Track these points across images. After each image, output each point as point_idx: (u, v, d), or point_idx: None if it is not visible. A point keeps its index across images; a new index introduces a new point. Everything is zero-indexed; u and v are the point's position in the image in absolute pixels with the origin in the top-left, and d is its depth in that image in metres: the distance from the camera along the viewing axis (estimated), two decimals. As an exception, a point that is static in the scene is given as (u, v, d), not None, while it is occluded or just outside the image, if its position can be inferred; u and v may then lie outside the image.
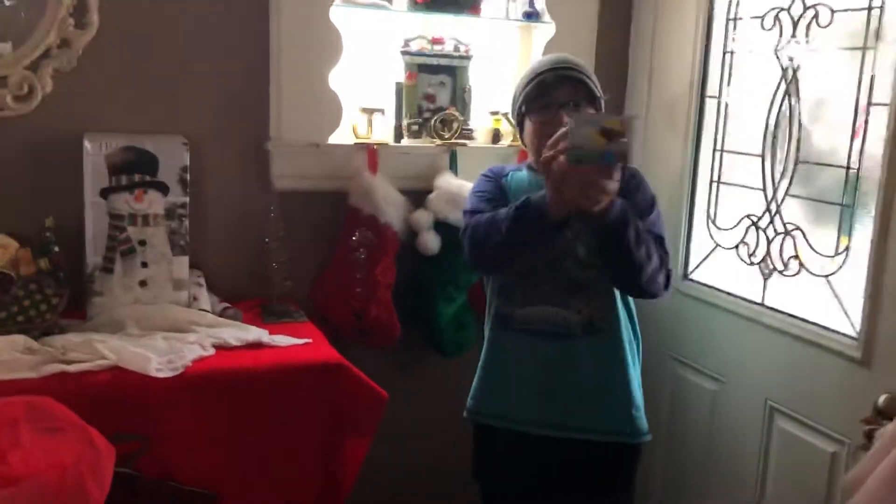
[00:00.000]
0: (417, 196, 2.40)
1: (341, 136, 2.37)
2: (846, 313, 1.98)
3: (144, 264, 2.01)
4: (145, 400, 1.74)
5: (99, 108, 2.10)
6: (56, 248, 1.88)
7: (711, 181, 2.42)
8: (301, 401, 1.89)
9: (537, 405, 1.89)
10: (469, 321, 2.48)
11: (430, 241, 2.38)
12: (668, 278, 1.87)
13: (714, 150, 2.40)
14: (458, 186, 2.37)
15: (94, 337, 1.80)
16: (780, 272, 2.16)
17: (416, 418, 2.55)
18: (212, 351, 1.87)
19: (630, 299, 1.95)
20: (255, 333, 1.95)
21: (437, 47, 2.51)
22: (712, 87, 2.40)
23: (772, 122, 2.18)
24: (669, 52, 2.51)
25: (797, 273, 2.11)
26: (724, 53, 2.35)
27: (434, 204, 2.38)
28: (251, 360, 1.87)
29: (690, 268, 2.49)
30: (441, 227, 2.39)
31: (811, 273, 2.07)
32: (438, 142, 2.46)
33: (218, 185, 2.26)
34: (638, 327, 2.01)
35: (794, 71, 2.11)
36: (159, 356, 1.77)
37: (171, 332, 1.94)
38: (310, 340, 1.99)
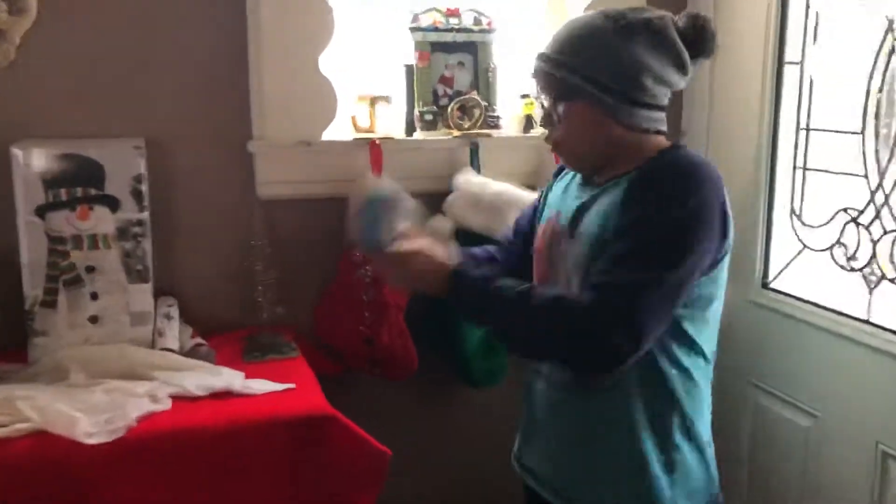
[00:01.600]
0: (433, 199, 1.99)
1: (338, 132, 1.98)
2: None
3: (94, 296, 1.67)
4: (79, 471, 1.39)
5: (41, 110, 1.76)
6: (-23, 282, 1.55)
7: (795, 167, 1.95)
8: (279, 463, 1.51)
9: (552, 468, 1.45)
10: (502, 348, 2.07)
11: (450, 253, 1.97)
12: (587, 348, 1.23)
13: (797, 128, 1.94)
14: (480, 186, 1.96)
15: (18, 393, 1.45)
16: (892, 280, 1.69)
17: (446, 462, 2.16)
18: (167, 404, 1.51)
19: (661, 353, 1.33)
20: (224, 379, 1.59)
21: (454, 20, 2.11)
22: (792, 50, 1.93)
23: (874, 89, 1.70)
24: (737, 10, 2.05)
25: (915, 282, 1.64)
26: (807, 8, 1.88)
27: (453, 208, 1.98)
28: (216, 413, 1.50)
29: (771, 275, 2.03)
30: (463, 234, 1.98)
31: (935, 281, 1.60)
32: (456, 133, 2.05)
33: (191, 196, 1.90)
34: (675, 385, 1.36)
35: (904, 21, 1.64)
36: (96, 415, 1.41)
37: (127, 378, 1.58)
38: (292, 386, 1.61)
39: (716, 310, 1.42)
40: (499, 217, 1.84)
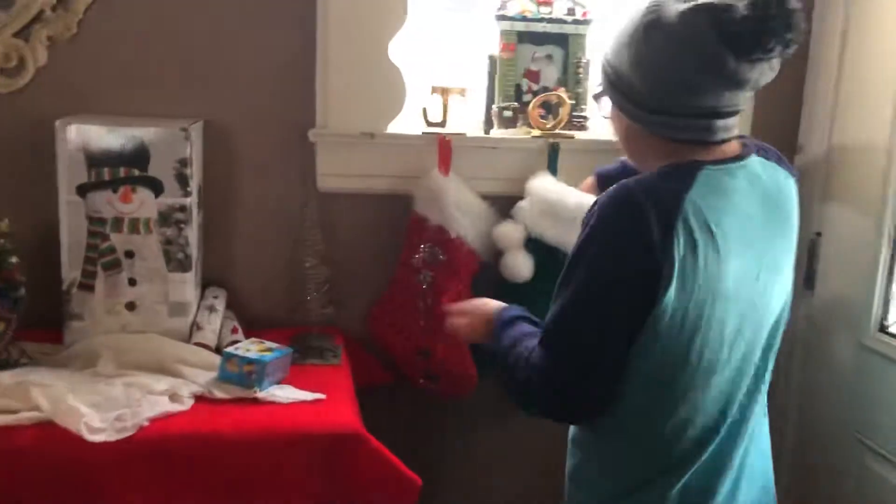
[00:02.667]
0: (506, 204, 1.83)
1: (407, 125, 1.84)
2: None
3: (133, 281, 1.59)
4: (87, 466, 1.32)
5: (98, 86, 1.71)
6: (13, 259, 1.49)
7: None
8: (298, 480, 1.40)
9: None
10: None
11: (520, 264, 1.80)
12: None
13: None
14: (557, 194, 1.77)
15: (33, 379, 1.39)
16: None
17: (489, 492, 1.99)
18: (188, 404, 1.42)
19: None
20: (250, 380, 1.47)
21: (545, 9, 1.93)
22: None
23: None
24: (871, 15, 1.77)
25: None
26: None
27: (526, 215, 1.80)
28: (235, 420, 1.40)
29: (892, 317, 1.74)
30: (536, 244, 1.80)
31: None
32: (536, 133, 1.87)
33: (248, 184, 1.81)
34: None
35: None
36: (108, 409, 1.33)
37: (156, 371, 1.50)
38: (322, 396, 1.48)
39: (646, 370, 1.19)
40: (577, 231, 1.64)
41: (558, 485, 1.37)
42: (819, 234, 1.91)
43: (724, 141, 1.18)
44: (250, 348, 1.51)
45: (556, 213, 1.74)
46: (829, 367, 1.88)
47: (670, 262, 1.10)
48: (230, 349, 1.49)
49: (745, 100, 1.17)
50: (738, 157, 1.19)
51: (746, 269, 1.18)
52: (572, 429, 1.34)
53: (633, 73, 1.16)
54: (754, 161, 1.21)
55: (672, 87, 1.14)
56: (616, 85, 1.20)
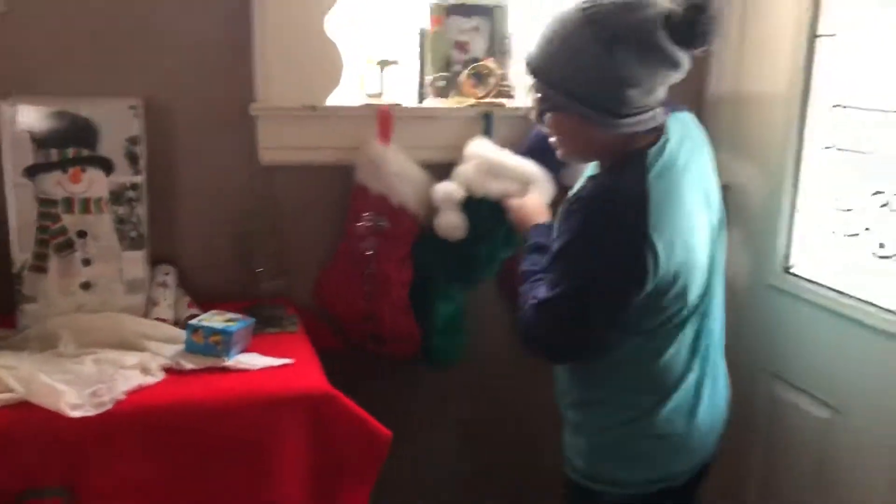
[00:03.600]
0: (443, 171, 1.91)
1: (345, 97, 1.89)
2: None
3: (87, 261, 1.60)
4: (66, 444, 1.34)
5: (33, 65, 1.68)
6: (-38, 244, 1.47)
7: (826, 146, 1.84)
8: (274, 441, 1.46)
9: None
10: (462, 328, 2.00)
11: (454, 223, 1.87)
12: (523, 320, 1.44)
13: (830, 105, 1.83)
14: (499, 154, 1.85)
15: (1, 362, 1.38)
16: (925, 270, 1.60)
17: (444, 445, 2.11)
18: (159, 376, 1.45)
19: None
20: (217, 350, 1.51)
21: (471, -18, 2.01)
22: (828, 22, 1.82)
23: (914, 65, 1.60)
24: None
25: (950, 271, 1.55)
26: (845, -24, 1.77)
27: (467, 176, 1.87)
28: (208, 388, 1.44)
29: (794, 259, 1.94)
30: (476, 203, 1.88)
31: (971, 272, 1.51)
32: (470, 101, 1.96)
33: (190, 160, 1.82)
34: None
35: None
36: (83, 387, 1.35)
37: (118, 348, 1.52)
38: (290, 361, 1.54)
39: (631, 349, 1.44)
40: (522, 188, 1.76)
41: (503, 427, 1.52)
42: (727, 186, 2.08)
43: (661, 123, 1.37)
44: (214, 319, 1.55)
45: (499, 171, 1.82)
46: (740, 307, 2.06)
47: (652, 245, 1.29)
48: (194, 321, 1.53)
49: None
50: (664, 128, 1.37)
51: (700, 207, 1.39)
52: (567, 377, 1.55)
53: (597, 86, 1.29)
54: (672, 121, 1.39)
55: (637, 94, 1.29)
56: (576, 96, 1.31)
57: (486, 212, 1.84)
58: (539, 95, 1.38)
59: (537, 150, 1.76)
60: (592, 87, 1.29)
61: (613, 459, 1.51)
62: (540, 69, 1.34)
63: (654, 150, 1.33)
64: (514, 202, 1.70)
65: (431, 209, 1.88)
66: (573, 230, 1.33)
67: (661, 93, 1.33)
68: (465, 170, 1.88)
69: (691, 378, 1.47)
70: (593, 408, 1.51)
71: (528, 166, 1.76)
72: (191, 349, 1.51)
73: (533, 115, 1.46)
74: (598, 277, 1.33)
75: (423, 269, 1.89)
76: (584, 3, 1.29)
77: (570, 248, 1.34)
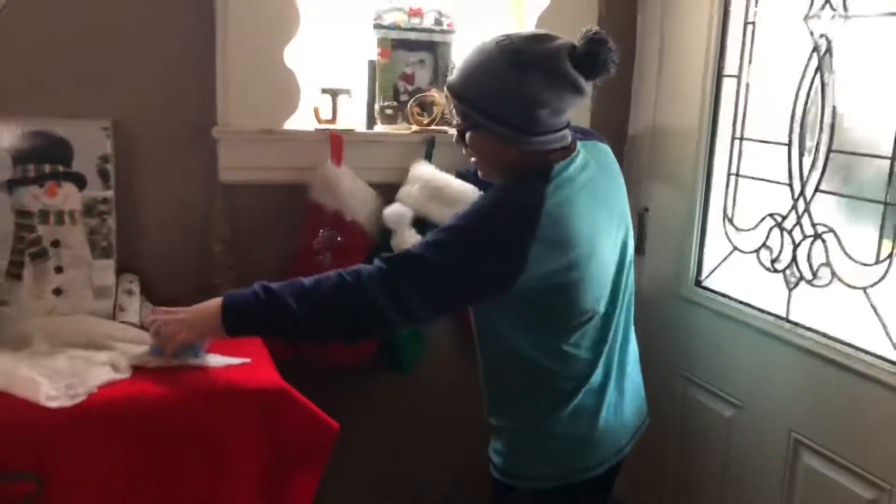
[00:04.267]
0: (390, 190, 2.09)
1: (300, 122, 2.07)
2: (888, 333, 1.65)
3: (59, 269, 1.73)
4: (39, 433, 1.45)
5: (9, 88, 1.80)
6: (-54, 252, 1.60)
7: (729, 174, 2.09)
8: (235, 433, 1.59)
9: None
10: (423, 334, 2.20)
11: (410, 240, 2.05)
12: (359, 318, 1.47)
13: (732, 137, 2.07)
14: (442, 179, 2.03)
15: (-19, 357, 1.51)
16: (809, 282, 1.83)
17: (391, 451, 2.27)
18: (127, 373, 1.58)
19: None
20: (180, 352, 1.65)
21: (416, 20, 2.21)
22: (731, 64, 2.07)
23: (800, 105, 1.85)
24: (682, 24, 2.18)
25: (828, 283, 1.79)
26: (745, 24, 2.02)
27: (414, 198, 2.05)
28: (174, 384, 1.58)
29: (704, 273, 2.17)
30: (419, 224, 2.07)
31: (846, 284, 1.74)
32: (415, 128, 2.15)
33: (155, 177, 1.97)
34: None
35: (828, 44, 1.77)
36: (57, 380, 1.48)
37: (87, 348, 1.65)
38: (248, 360, 1.69)
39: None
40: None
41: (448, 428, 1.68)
42: (647, 209, 2.32)
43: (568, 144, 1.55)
44: None
45: (442, 196, 1.99)
46: (657, 318, 2.28)
47: (522, 268, 1.43)
48: None
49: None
50: (572, 148, 1.55)
51: (601, 225, 1.55)
52: (483, 380, 1.69)
53: (511, 106, 1.46)
54: (581, 146, 1.58)
55: (547, 114, 1.47)
56: (492, 117, 1.47)
57: (430, 230, 2.03)
58: (460, 117, 1.55)
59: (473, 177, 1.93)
60: (506, 107, 1.46)
61: (524, 457, 1.64)
62: (460, 93, 1.51)
63: (560, 164, 1.50)
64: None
65: (381, 224, 2.06)
66: (462, 215, 1.47)
67: (566, 116, 1.51)
68: (409, 191, 2.06)
69: (594, 381, 1.59)
70: (504, 409, 1.66)
71: (466, 189, 1.95)
72: (157, 352, 1.61)
73: (455, 137, 1.60)
74: (472, 253, 1.44)
75: None
76: (499, 37, 1.48)
77: (456, 225, 1.46)
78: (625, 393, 1.68)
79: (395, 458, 2.35)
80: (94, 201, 1.73)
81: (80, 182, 1.71)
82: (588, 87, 1.48)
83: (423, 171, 2.07)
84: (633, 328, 1.72)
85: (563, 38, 1.47)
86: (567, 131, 1.54)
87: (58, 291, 1.73)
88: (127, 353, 1.64)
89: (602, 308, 1.58)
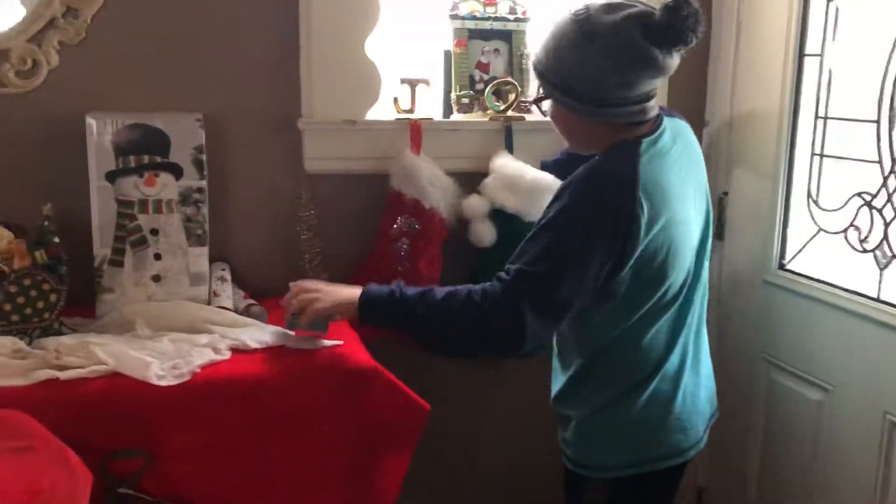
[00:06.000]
0: (468, 179, 2.12)
1: (380, 112, 2.11)
2: None
3: (158, 256, 1.80)
4: (147, 411, 1.52)
5: (109, 84, 1.89)
6: (55, 239, 1.67)
7: (813, 154, 2.06)
8: (328, 412, 1.64)
9: None
10: None
11: (484, 231, 2.09)
12: (489, 337, 1.47)
13: (816, 116, 2.04)
14: (516, 170, 2.06)
15: (92, 339, 1.58)
16: (902, 260, 1.79)
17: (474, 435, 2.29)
18: (227, 355, 1.64)
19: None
20: (278, 335, 1.71)
21: (490, 9, 2.23)
22: (813, 43, 2.04)
23: (889, 81, 1.80)
24: (761, 3, 2.15)
25: (923, 261, 1.75)
26: (828, 2, 1.98)
27: (489, 189, 2.09)
28: (272, 365, 1.63)
29: (787, 256, 2.14)
30: (498, 215, 2.09)
31: (941, 261, 1.70)
32: (491, 115, 2.17)
33: (243, 168, 2.03)
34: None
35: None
36: (163, 361, 1.54)
37: (186, 332, 1.71)
38: (341, 342, 1.73)
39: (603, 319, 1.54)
40: (534, 201, 1.95)
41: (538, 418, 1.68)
42: (726, 193, 2.30)
43: (652, 118, 1.53)
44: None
45: (515, 186, 2.03)
46: (739, 302, 2.26)
47: (640, 223, 1.40)
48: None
49: (664, 81, 1.52)
50: (659, 123, 1.53)
51: (689, 203, 1.54)
52: (557, 361, 1.67)
53: (578, 77, 1.46)
54: (669, 121, 1.57)
55: (616, 85, 1.45)
56: (561, 88, 1.48)
57: (504, 221, 2.04)
58: (542, 91, 1.56)
59: (563, 164, 1.94)
60: (575, 78, 1.45)
61: (596, 445, 1.61)
62: (537, 66, 1.52)
63: (648, 139, 1.48)
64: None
65: (457, 213, 2.09)
66: (561, 206, 1.43)
67: (643, 87, 1.45)
68: (486, 182, 2.08)
69: (669, 367, 1.55)
70: (576, 397, 1.62)
71: (543, 179, 1.96)
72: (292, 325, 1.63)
73: (543, 112, 1.61)
74: (580, 250, 1.40)
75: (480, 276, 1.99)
76: (578, 7, 1.46)
77: (556, 221, 1.43)
78: (700, 378, 1.65)
79: (468, 450, 2.36)
80: (189, 190, 1.79)
81: (176, 172, 1.78)
82: (665, 58, 1.43)
83: (500, 161, 2.09)
84: (705, 314, 1.69)
85: (641, 7, 1.42)
86: (650, 104, 1.50)
87: (156, 278, 1.80)
88: (225, 336, 1.69)
89: (685, 290, 1.56)
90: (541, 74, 1.53)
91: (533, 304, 1.41)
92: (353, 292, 1.55)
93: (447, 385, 2.28)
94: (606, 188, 1.43)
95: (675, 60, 1.47)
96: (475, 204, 2.09)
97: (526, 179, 2.02)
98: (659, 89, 1.53)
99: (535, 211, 1.90)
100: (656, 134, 1.50)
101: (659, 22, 1.40)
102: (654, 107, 1.53)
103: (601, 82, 1.44)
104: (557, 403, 1.68)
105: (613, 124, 1.50)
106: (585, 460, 1.64)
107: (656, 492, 1.64)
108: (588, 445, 1.63)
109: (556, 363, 1.69)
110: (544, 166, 2.05)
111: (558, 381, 1.68)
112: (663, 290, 1.51)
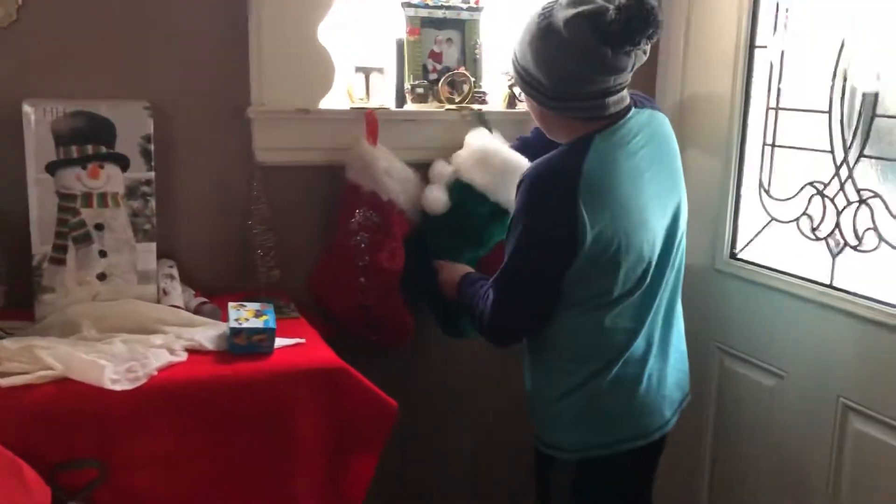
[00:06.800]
0: (424, 169, 2.07)
1: (334, 101, 2.03)
2: (942, 294, 1.66)
3: (103, 253, 1.69)
4: (101, 418, 1.42)
5: (44, 70, 1.76)
6: (-9, 237, 1.55)
7: (764, 144, 2.09)
8: (293, 413, 1.57)
9: None
10: None
11: (437, 198, 1.99)
12: (480, 322, 1.68)
13: (767, 107, 2.07)
14: (492, 145, 1.98)
15: (37, 343, 1.47)
16: (854, 248, 1.84)
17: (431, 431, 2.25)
18: (183, 356, 1.55)
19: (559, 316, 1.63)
20: (221, 340, 1.62)
21: (443, -2, 2.19)
22: (763, 34, 2.07)
23: (840, 71, 1.85)
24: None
25: (875, 248, 1.79)
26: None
27: (460, 161, 1.98)
28: (232, 365, 1.55)
29: (739, 245, 2.17)
30: (459, 188, 1.99)
31: (893, 246, 1.75)
32: (448, 106, 2.13)
33: (190, 160, 1.93)
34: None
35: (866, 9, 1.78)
36: (117, 364, 1.45)
37: (137, 333, 1.61)
38: (303, 340, 1.66)
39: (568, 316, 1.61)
40: (503, 182, 1.89)
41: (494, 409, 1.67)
42: (677, 183, 2.31)
43: (616, 112, 1.53)
44: (243, 316, 1.60)
45: (487, 163, 1.93)
46: (690, 291, 2.27)
47: (581, 222, 1.46)
48: (234, 325, 1.56)
49: (627, 77, 1.53)
50: (621, 116, 1.55)
51: (649, 195, 1.55)
52: (526, 347, 1.66)
53: (535, 68, 1.51)
54: (637, 114, 1.58)
55: (567, 79, 1.49)
56: (524, 78, 1.55)
57: (472, 197, 1.97)
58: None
59: (532, 145, 1.92)
60: (535, 71, 1.51)
61: (562, 427, 1.65)
62: (512, 57, 1.58)
63: (602, 133, 1.51)
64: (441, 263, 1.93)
65: (418, 204, 2.04)
66: (516, 207, 1.55)
67: (597, 84, 1.47)
68: (459, 154, 2.00)
69: (635, 351, 1.59)
70: (542, 378, 1.66)
71: (515, 159, 1.91)
72: (235, 350, 1.56)
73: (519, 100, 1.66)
74: (535, 247, 1.52)
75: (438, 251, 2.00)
76: (547, 2, 1.50)
77: (514, 224, 1.55)
78: (668, 364, 1.68)
79: (438, 435, 2.33)
80: (136, 183, 1.69)
81: (122, 163, 1.67)
82: (615, 55, 1.44)
83: (476, 136, 2.02)
84: (679, 300, 1.73)
85: (598, 4, 1.43)
86: (610, 100, 1.51)
87: (102, 276, 1.69)
88: (179, 337, 1.60)
89: (648, 278, 1.57)
90: (512, 63, 1.59)
91: (515, 311, 1.61)
92: (461, 271, 1.85)
93: (419, 368, 2.24)
94: (550, 181, 1.51)
95: (632, 58, 1.48)
96: (440, 171, 2.01)
97: (499, 157, 1.94)
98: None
99: (501, 192, 1.90)
100: (614, 127, 1.53)
101: (609, 20, 1.42)
102: (617, 101, 1.53)
103: (556, 76, 1.49)
104: (528, 385, 1.72)
105: (575, 117, 1.54)
106: (553, 441, 1.67)
107: (622, 473, 1.69)
108: (555, 427, 1.66)
109: (526, 346, 1.71)
110: (520, 141, 2.03)
111: (527, 365, 1.71)
112: (620, 278, 1.54)
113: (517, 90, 1.67)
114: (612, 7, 1.42)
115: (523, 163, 1.87)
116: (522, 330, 1.67)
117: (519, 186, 1.55)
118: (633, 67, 1.51)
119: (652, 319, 1.62)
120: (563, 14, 1.44)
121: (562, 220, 1.47)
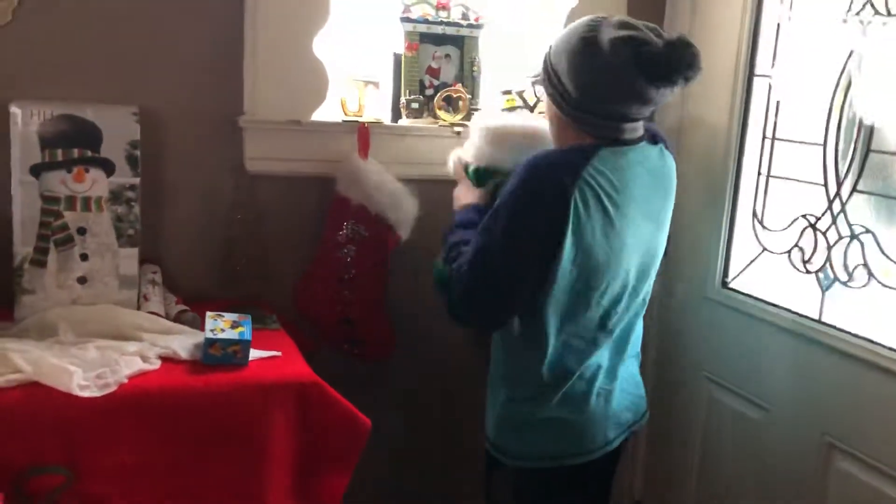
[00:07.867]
0: (416, 185, 2.05)
1: (327, 113, 2.03)
2: (929, 335, 1.63)
3: (84, 257, 1.69)
4: (69, 424, 1.42)
5: (36, 72, 1.77)
6: (-29, 237, 1.55)
7: (759, 174, 2.07)
8: (265, 427, 1.56)
9: None
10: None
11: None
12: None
13: (763, 137, 2.05)
14: (502, 120, 1.81)
15: (10, 346, 1.47)
16: (844, 283, 1.81)
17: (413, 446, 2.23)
18: (157, 364, 1.54)
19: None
20: (195, 349, 1.61)
21: (443, 14, 2.18)
22: (763, 63, 2.05)
23: (837, 105, 1.82)
24: (712, 23, 2.16)
25: (865, 284, 1.77)
26: (778, 24, 2.00)
27: (474, 149, 1.77)
28: (205, 376, 1.54)
29: (731, 275, 2.15)
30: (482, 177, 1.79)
31: (883, 285, 1.72)
32: (441, 122, 2.12)
33: (179, 166, 1.93)
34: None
35: (866, 45, 1.76)
36: (87, 370, 1.44)
37: (114, 338, 1.61)
38: (279, 353, 1.65)
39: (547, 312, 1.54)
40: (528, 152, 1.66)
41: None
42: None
43: (627, 140, 1.51)
44: (220, 327, 1.60)
45: (504, 138, 1.72)
46: (681, 319, 2.26)
47: (567, 220, 1.42)
48: (210, 335, 1.56)
49: (649, 111, 1.51)
50: (633, 142, 1.52)
51: (634, 222, 1.52)
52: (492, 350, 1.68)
53: (566, 75, 1.48)
54: (646, 146, 1.55)
55: (593, 95, 1.47)
56: (552, 80, 1.51)
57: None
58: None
59: None
60: (564, 75, 1.47)
61: (514, 434, 1.63)
62: (547, 51, 1.53)
63: (606, 149, 1.48)
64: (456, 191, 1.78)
65: (407, 219, 2.02)
66: (508, 189, 1.47)
67: (622, 108, 1.46)
68: (471, 141, 1.79)
69: (587, 370, 1.58)
70: (501, 382, 1.64)
71: (533, 123, 1.75)
72: (210, 361, 1.56)
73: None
74: (522, 232, 1.44)
75: None
76: (602, 15, 1.49)
77: (503, 205, 1.46)
78: (617, 385, 1.67)
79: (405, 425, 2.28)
80: (121, 188, 1.69)
81: (108, 168, 1.67)
82: (649, 88, 1.42)
83: (480, 119, 1.82)
84: (639, 325, 1.71)
85: (645, 33, 1.42)
86: (627, 125, 1.50)
87: (82, 280, 1.69)
88: (156, 345, 1.60)
89: (611, 302, 1.56)
90: (543, 62, 1.55)
91: (489, 288, 1.51)
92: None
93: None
94: (544, 177, 1.45)
95: (662, 95, 1.46)
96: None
97: (516, 127, 1.75)
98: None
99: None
100: (624, 149, 1.50)
101: (652, 53, 1.40)
102: (631, 130, 1.52)
103: (583, 89, 1.47)
104: (490, 384, 1.71)
105: (585, 131, 1.51)
106: (500, 446, 1.66)
107: (564, 486, 1.67)
108: (503, 433, 1.66)
109: (492, 354, 1.70)
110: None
111: (490, 369, 1.70)
112: (593, 300, 1.53)
113: (539, 88, 1.61)
114: (661, 41, 1.41)
115: (540, 123, 1.73)
116: (487, 311, 1.55)
117: (514, 175, 1.49)
118: (657, 103, 1.49)
119: (608, 340, 1.61)
120: (610, 33, 1.43)
121: (551, 210, 1.43)
